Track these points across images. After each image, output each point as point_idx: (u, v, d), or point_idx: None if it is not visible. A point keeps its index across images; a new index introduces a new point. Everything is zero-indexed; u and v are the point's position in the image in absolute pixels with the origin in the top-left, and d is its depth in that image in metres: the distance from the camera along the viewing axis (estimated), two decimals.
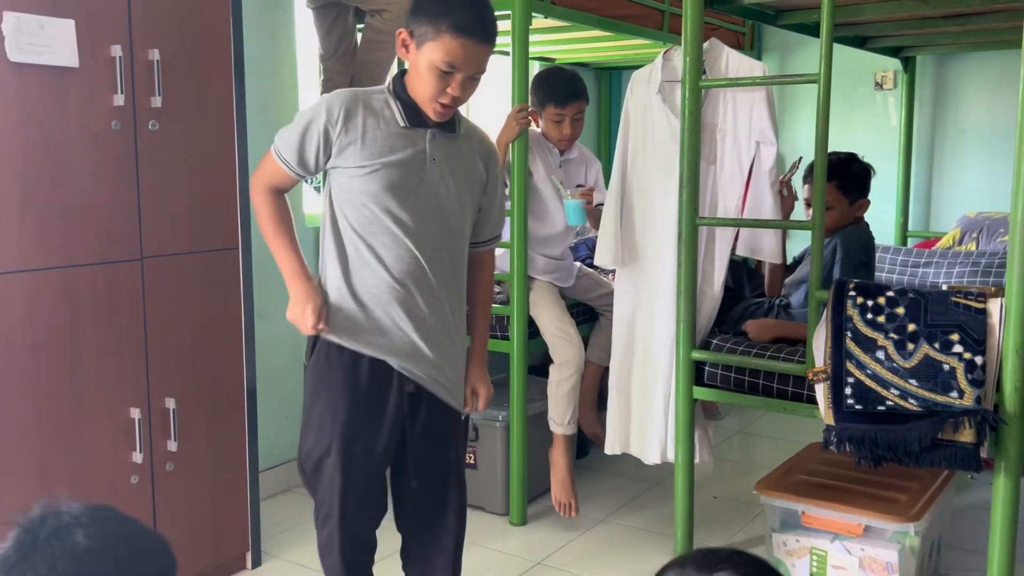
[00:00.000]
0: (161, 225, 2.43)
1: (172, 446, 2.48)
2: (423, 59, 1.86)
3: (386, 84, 1.99)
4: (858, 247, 2.91)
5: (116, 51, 2.26)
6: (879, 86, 4.43)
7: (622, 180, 2.93)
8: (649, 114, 2.83)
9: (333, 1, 3.17)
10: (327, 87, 3.23)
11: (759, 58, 4.59)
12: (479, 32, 1.84)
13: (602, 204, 3.04)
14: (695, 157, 2.64)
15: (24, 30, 2.09)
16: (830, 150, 2.45)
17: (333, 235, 1.99)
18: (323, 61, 3.28)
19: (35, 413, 2.19)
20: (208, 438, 2.59)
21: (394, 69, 3.16)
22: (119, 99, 2.28)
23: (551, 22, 3.25)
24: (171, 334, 2.47)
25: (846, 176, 2.86)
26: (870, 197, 2.98)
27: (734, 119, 2.73)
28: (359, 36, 3.25)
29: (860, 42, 3.82)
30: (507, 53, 4.48)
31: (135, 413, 2.39)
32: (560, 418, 3.14)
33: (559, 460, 3.14)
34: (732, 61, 2.72)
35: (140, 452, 2.40)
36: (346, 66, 3.28)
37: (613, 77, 5.11)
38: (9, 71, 2.08)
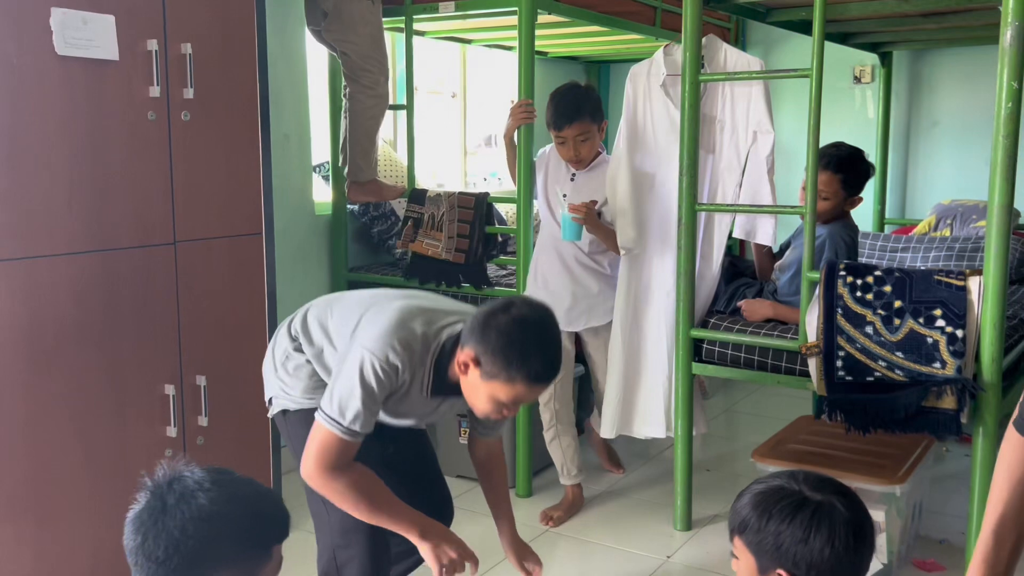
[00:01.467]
0: (192, 211, 2.55)
1: (203, 421, 2.60)
2: (487, 390, 1.80)
3: (433, 347, 1.89)
4: (844, 242, 3.08)
5: (152, 45, 2.38)
6: (857, 80, 4.63)
7: (629, 168, 3.09)
8: (649, 106, 3.00)
9: (321, 21, 3.31)
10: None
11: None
12: (550, 376, 1.82)
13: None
14: (694, 147, 2.81)
15: (69, 25, 2.20)
16: (825, 142, 2.61)
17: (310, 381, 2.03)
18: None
19: (80, 389, 2.31)
20: (235, 415, 2.71)
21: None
22: (155, 90, 2.40)
23: (545, 17, 3.37)
24: (202, 314, 2.60)
25: (854, 173, 2.95)
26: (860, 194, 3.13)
27: (732, 111, 2.91)
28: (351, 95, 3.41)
29: (842, 38, 4.00)
30: (509, 48, 4.65)
31: (169, 389, 2.51)
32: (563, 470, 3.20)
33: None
34: (730, 56, 2.89)
35: (174, 427, 2.52)
36: (354, 87, 3.40)
37: (603, 71, 5.26)
38: (56, 64, 2.19)
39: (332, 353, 1.99)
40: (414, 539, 1.89)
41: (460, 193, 3.43)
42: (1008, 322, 2.91)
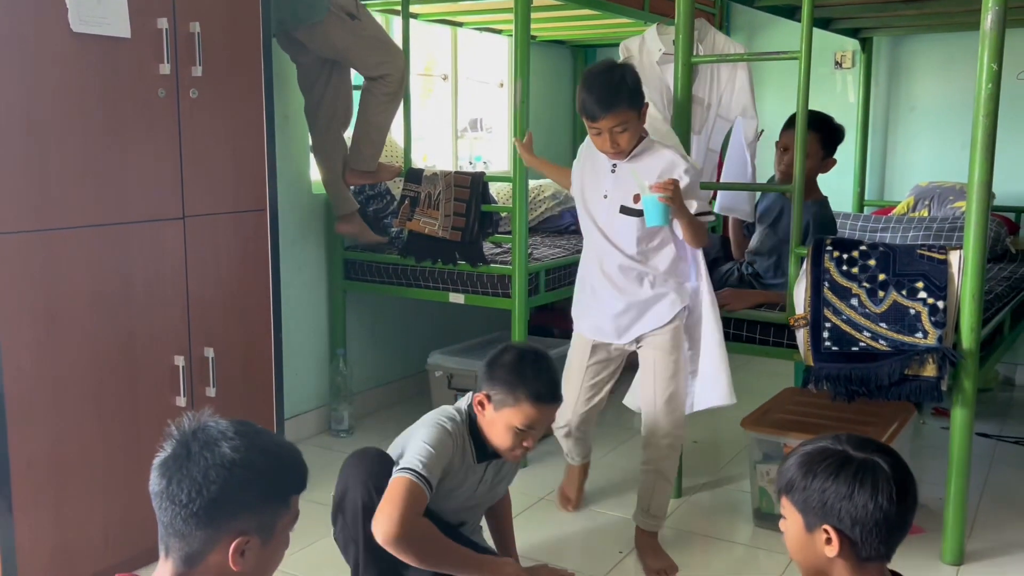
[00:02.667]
0: (200, 187, 2.61)
1: (211, 392, 2.67)
2: (501, 420, 2.11)
3: (464, 415, 2.20)
4: (829, 219, 3.20)
5: (162, 23, 2.44)
6: (839, 65, 4.75)
7: None
8: (646, 87, 3.08)
9: (308, 51, 3.33)
10: (320, 161, 3.49)
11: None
12: (551, 398, 2.12)
13: (706, 214, 2.60)
14: (686, 127, 2.90)
15: (84, 3, 2.25)
16: None
17: None
18: (308, 118, 3.48)
19: (93, 358, 2.37)
20: (242, 386, 2.79)
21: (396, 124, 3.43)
22: (165, 68, 2.46)
23: (537, 0, 3.42)
24: (209, 288, 2.66)
25: (828, 131, 3.11)
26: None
27: (718, 94, 3.01)
28: (349, 91, 3.46)
29: (824, 23, 4.11)
30: (499, 32, 4.71)
31: (179, 361, 2.58)
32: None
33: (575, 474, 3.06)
34: (719, 41, 2.98)
35: (183, 397, 2.59)
36: (336, 140, 3.46)
37: (589, 55, 5.34)
38: (71, 41, 2.24)
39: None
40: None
41: (456, 172, 3.50)
42: (986, 296, 3.05)
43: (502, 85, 5.00)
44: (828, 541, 1.43)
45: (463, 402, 2.24)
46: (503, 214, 3.66)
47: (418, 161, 4.12)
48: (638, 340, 2.65)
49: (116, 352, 2.42)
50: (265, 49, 2.76)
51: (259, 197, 2.81)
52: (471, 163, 4.92)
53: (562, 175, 2.90)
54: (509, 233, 3.34)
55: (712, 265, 3.24)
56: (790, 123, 3.05)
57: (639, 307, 2.62)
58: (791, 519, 1.48)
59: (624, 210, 2.54)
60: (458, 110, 4.73)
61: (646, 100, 2.51)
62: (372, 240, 3.63)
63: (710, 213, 2.62)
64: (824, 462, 1.43)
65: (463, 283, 3.49)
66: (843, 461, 1.42)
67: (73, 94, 2.27)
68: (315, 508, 2.96)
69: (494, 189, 4.06)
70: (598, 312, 2.66)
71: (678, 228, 2.53)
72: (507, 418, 2.10)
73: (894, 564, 1.51)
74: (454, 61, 4.61)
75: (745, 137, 3.04)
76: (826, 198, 3.22)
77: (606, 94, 2.44)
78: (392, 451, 2.21)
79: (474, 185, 3.43)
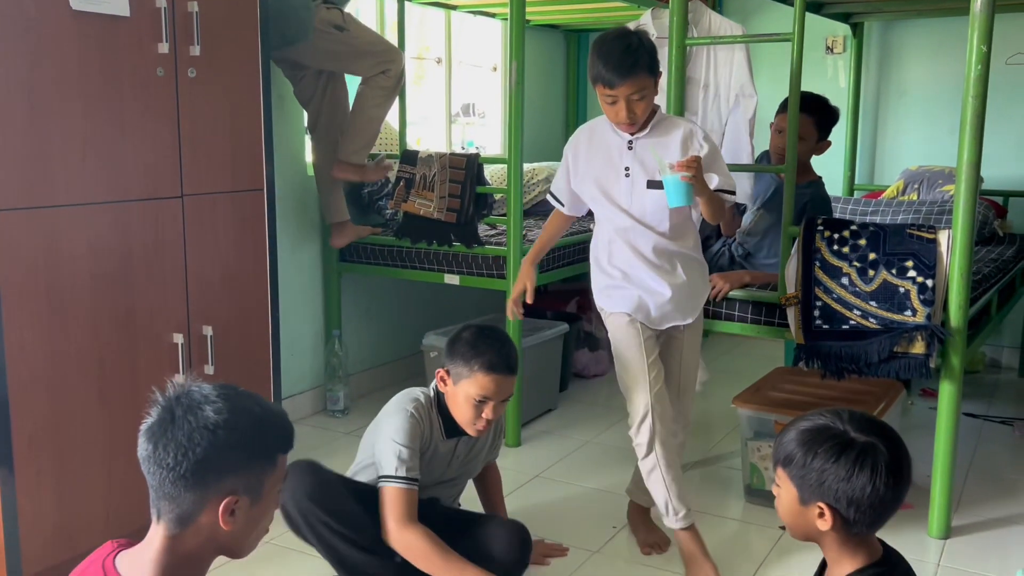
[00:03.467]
0: (198, 166, 2.63)
1: (209, 370, 2.70)
2: (460, 393, 2.23)
3: (431, 394, 2.32)
4: (821, 199, 3.24)
5: (161, 2, 2.44)
6: (830, 50, 4.79)
7: None
8: None
9: (304, 67, 3.38)
10: (318, 165, 3.56)
11: None
12: (505, 368, 2.21)
13: (728, 192, 2.46)
14: (680, 108, 2.93)
15: None
16: None
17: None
18: (310, 131, 3.56)
19: (94, 334, 2.39)
20: (240, 364, 2.81)
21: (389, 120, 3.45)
22: (163, 47, 2.47)
23: None
24: (207, 266, 2.69)
25: (824, 114, 3.14)
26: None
27: (715, 75, 3.04)
28: (345, 97, 3.51)
29: (816, 7, 4.15)
30: (493, 15, 4.73)
31: (178, 338, 2.60)
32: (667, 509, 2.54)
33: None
34: (714, 21, 3.01)
35: (182, 374, 2.61)
36: (328, 142, 3.49)
37: (582, 39, 5.36)
38: (71, 19, 2.25)
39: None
40: None
41: (451, 154, 3.53)
42: (974, 277, 3.10)
43: (495, 69, 5.01)
44: (821, 515, 1.47)
45: (431, 387, 2.35)
46: (497, 196, 3.68)
47: (412, 145, 4.14)
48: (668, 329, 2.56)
49: (116, 329, 2.44)
50: (263, 29, 2.77)
51: (256, 177, 2.83)
52: (463, 148, 4.94)
53: (557, 223, 2.73)
54: (504, 215, 3.37)
55: (703, 244, 3.28)
56: (785, 105, 3.08)
57: (677, 294, 2.49)
58: (786, 490, 1.51)
59: (652, 184, 2.41)
60: (453, 94, 4.74)
61: (661, 69, 2.41)
62: (377, 176, 3.63)
63: (732, 192, 2.49)
64: (826, 443, 1.45)
65: (458, 264, 3.52)
66: (845, 443, 1.44)
67: (73, 72, 2.28)
68: None
69: (488, 172, 4.09)
70: (638, 295, 2.49)
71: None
72: (465, 389, 2.21)
73: (882, 537, 1.55)
74: (448, 44, 4.62)
75: (744, 116, 3.07)
76: (820, 178, 3.26)
77: (625, 60, 2.30)
78: (364, 441, 2.34)
79: (469, 167, 3.45)
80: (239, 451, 1.32)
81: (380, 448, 2.21)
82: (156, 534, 1.32)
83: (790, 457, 1.49)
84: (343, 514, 2.21)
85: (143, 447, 1.32)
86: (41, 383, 2.28)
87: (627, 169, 2.45)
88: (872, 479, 1.41)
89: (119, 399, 2.46)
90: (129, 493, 2.50)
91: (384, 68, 3.36)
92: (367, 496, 2.23)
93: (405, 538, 2.11)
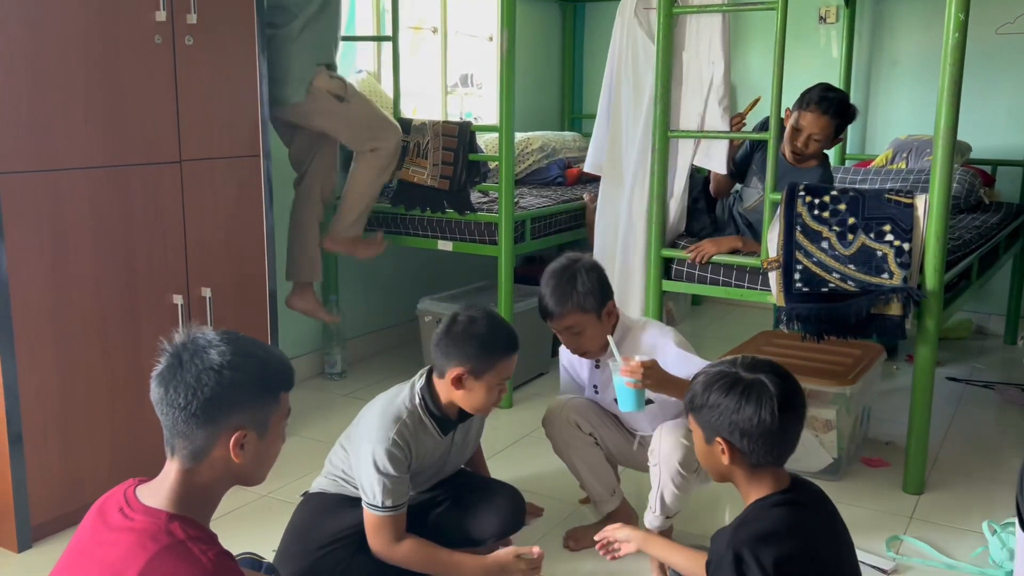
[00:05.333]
0: (196, 132, 2.70)
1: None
2: (483, 384, 2.11)
3: (417, 401, 2.17)
4: (829, 179, 3.29)
5: None
6: (823, 20, 4.82)
7: (607, 99, 3.28)
8: (632, 39, 3.18)
9: (298, 127, 3.32)
10: (292, 222, 3.46)
11: None
12: (517, 344, 2.17)
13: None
14: (668, 77, 3.00)
15: None
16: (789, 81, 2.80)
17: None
18: (295, 186, 3.46)
19: (96, 295, 2.48)
20: (238, 325, 2.89)
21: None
22: (160, 15, 2.53)
23: None
24: (206, 230, 2.77)
25: (846, 119, 3.13)
26: None
27: (696, 44, 3.09)
28: (334, 161, 3.48)
29: None
30: None
31: (177, 300, 2.69)
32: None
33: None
34: None
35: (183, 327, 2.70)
36: (312, 200, 3.42)
37: (579, 10, 5.40)
38: None
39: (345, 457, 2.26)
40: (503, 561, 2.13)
41: (444, 122, 3.59)
42: (954, 242, 3.17)
43: (491, 39, 5.06)
44: (723, 452, 1.62)
45: (415, 388, 2.20)
46: (491, 164, 3.75)
47: (407, 115, 4.20)
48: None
49: (118, 290, 2.53)
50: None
51: (253, 143, 2.90)
52: (461, 118, 4.99)
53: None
54: (497, 183, 3.44)
55: (693, 207, 3.34)
56: (803, 101, 3.09)
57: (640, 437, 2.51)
58: (695, 433, 1.67)
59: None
60: (448, 65, 4.79)
61: (611, 299, 2.35)
62: (367, 254, 3.55)
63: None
64: (719, 382, 1.60)
65: (451, 231, 3.59)
66: (734, 381, 1.59)
67: (73, 40, 2.35)
68: (310, 444, 3.11)
69: (484, 141, 4.16)
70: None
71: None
72: (489, 381, 2.12)
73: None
74: (443, 14, 4.66)
75: (713, 82, 3.08)
76: (827, 156, 3.30)
77: (556, 295, 2.31)
78: (336, 454, 2.29)
79: (461, 135, 3.52)
80: (245, 389, 1.41)
81: (362, 474, 2.11)
82: (171, 468, 1.42)
83: (692, 401, 1.65)
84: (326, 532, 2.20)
85: (155, 391, 1.41)
86: (46, 341, 2.37)
87: (595, 387, 2.50)
88: (758, 410, 1.55)
89: (122, 357, 2.55)
90: (134, 447, 2.60)
91: (375, 146, 3.32)
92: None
93: (396, 556, 2.13)
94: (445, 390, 2.15)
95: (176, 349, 1.44)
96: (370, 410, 2.21)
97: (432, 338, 2.19)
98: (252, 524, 2.55)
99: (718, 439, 1.62)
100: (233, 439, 1.40)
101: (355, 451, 2.17)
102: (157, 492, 1.41)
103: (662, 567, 2.15)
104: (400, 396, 2.19)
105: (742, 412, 1.57)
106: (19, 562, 2.35)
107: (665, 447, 2.27)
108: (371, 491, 2.09)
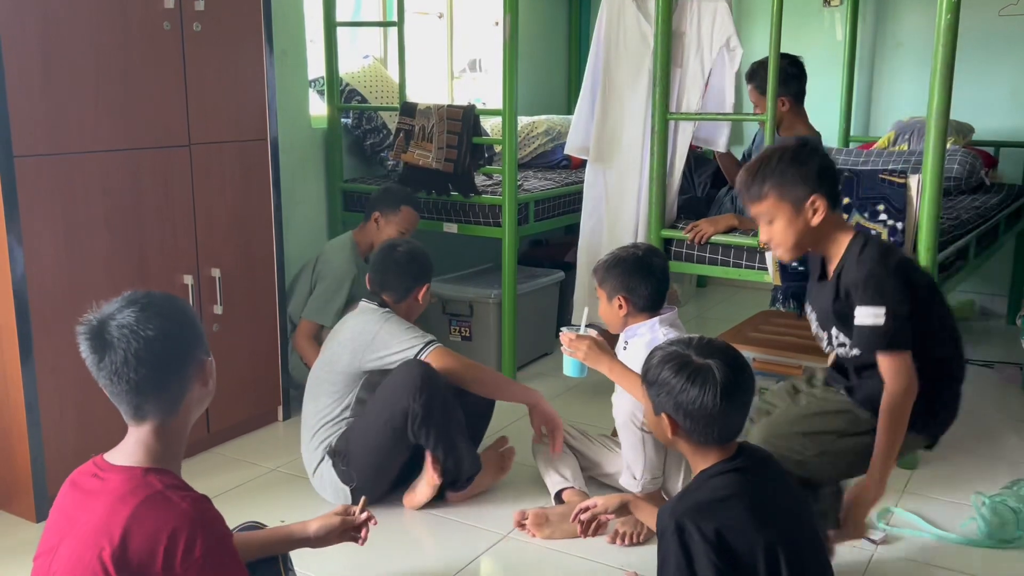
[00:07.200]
0: (204, 116, 2.77)
1: (218, 310, 2.87)
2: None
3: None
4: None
5: None
6: (827, 2, 4.84)
7: (592, 79, 3.32)
8: (623, 20, 3.23)
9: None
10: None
11: None
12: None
13: None
14: (667, 60, 3.04)
15: None
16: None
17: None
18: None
19: (109, 275, 2.56)
20: (246, 306, 2.98)
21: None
22: (169, 2, 2.60)
23: None
24: (215, 212, 2.84)
25: (755, 79, 3.30)
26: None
27: (698, 27, 3.13)
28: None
29: None
30: None
31: (188, 279, 2.77)
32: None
33: None
34: None
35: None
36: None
37: None
38: None
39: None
40: (533, 401, 2.63)
41: (449, 106, 3.65)
42: (951, 222, 3.21)
43: (497, 23, 5.10)
44: (667, 426, 1.69)
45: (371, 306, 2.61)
46: (496, 148, 3.81)
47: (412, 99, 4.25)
48: None
49: (130, 270, 2.61)
50: None
51: (260, 127, 2.97)
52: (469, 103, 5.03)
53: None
54: (500, 164, 3.50)
55: (702, 194, 3.42)
56: (751, 75, 3.26)
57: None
58: (647, 406, 1.74)
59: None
60: (455, 50, 4.84)
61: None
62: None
63: None
64: (671, 362, 1.66)
65: (456, 213, 3.66)
66: (684, 363, 1.64)
67: (84, 26, 2.42)
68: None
69: (490, 125, 4.21)
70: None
71: None
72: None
73: None
74: None
75: (732, 68, 3.16)
76: (819, 134, 3.36)
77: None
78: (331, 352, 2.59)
79: (465, 118, 3.57)
80: (185, 326, 1.43)
81: (397, 348, 2.47)
82: (142, 430, 1.43)
83: (645, 375, 1.72)
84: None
85: (104, 385, 1.41)
86: (61, 319, 2.45)
87: None
88: (701, 395, 1.61)
89: None
90: None
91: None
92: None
93: (456, 365, 2.51)
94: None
95: (93, 332, 1.40)
96: (370, 329, 2.54)
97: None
98: (259, 497, 2.64)
99: (663, 414, 1.68)
100: (203, 373, 1.45)
101: (381, 353, 2.50)
102: (128, 453, 1.42)
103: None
104: (367, 315, 2.57)
105: (687, 394, 1.62)
106: (37, 531, 2.44)
107: (624, 404, 2.41)
108: (413, 340, 2.48)
